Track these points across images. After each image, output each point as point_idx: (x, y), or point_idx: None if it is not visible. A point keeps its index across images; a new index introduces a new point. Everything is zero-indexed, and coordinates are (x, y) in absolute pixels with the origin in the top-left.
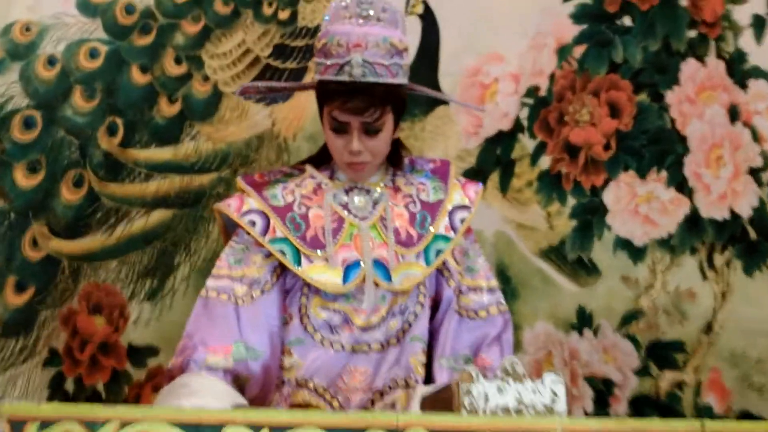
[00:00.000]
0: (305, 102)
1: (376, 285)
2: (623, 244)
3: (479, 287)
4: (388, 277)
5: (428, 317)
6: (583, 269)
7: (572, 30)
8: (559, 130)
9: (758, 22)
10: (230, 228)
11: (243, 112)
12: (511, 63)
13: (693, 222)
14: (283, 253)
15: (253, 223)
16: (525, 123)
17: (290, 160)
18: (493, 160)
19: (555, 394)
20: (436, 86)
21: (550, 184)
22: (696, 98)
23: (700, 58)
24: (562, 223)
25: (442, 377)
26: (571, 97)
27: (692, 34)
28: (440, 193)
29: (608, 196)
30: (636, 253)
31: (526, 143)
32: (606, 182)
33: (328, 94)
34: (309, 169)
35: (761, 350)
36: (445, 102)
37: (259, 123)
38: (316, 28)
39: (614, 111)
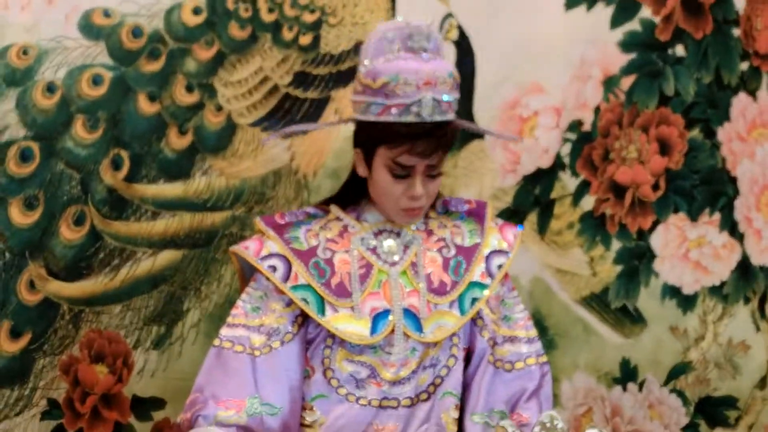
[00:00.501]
0: (327, 135)
1: (406, 336)
2: (672, 292)
3: (516, 337)
4: (419, 328)
5: (462, 371)
6: (628, 318)
7: (620, 59)
8: (604, 168)
9: None
10: (247, 272)
11: (259, 145)
12: (552, 95)
13: (745, 269)
14: (305, 301)
15: (274, 269)
16: (566, 160)
17: (310, 198)
18: (531, 200)
19: None
20: (471, 119)
21: (594, 227)
22: (747, 136)
23: (752, 93)
24: (605, 269)
25: None
26: (618, 133)
27: (744, 66)
28: (476, 237)
29: (656, 240)
30: (686, 301)
31: (568, 182)
32: (654, 225)
33: (392, 136)
34: (334, 210)
35: None
36: (480, 136)
37: (277, 158)
38: (341, 55)
39: (664, 148)
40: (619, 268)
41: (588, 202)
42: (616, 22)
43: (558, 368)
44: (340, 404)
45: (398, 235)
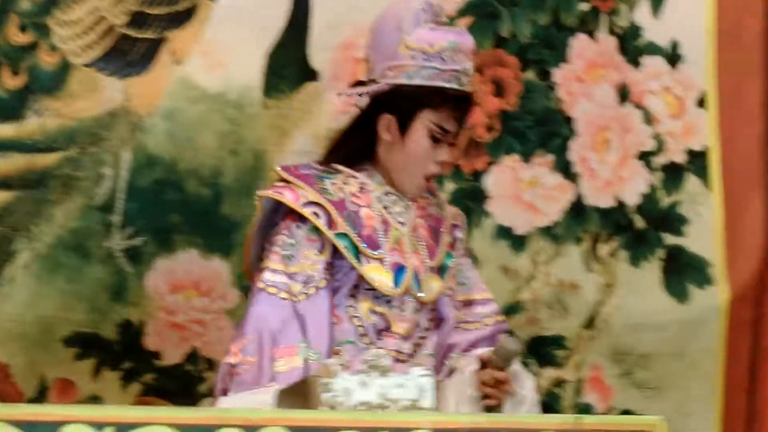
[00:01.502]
0: (162, 75)
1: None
2: (504, 233)
3: (473, 300)
4: (419, 288)
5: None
6: None
7: (456, 1)
8: None
9: None
10: (265, 223)
11: (94, 86)
12: None
13: (578, 210)
14: (347, 248)
15: (317, 216)
16: None
17: (145, 138)
18: None
19: (422, 388)
20: (305, 60)
21: None
22: (585, 77)
23: (591, 34)
24: None
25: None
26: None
27: (584, 7)
28: (438, 209)
29: (489, 181)
30: (517, 242)
31: None
32: (489, 166)
33: (441, 100)
34: (344, 169)
35: (646, 345)
36: (314, 77)
37: (112, 98)
38: None
39: (499, 89)
40: None
41: None
42: None
43: None
44: (366, 351)
45: (400, 198)
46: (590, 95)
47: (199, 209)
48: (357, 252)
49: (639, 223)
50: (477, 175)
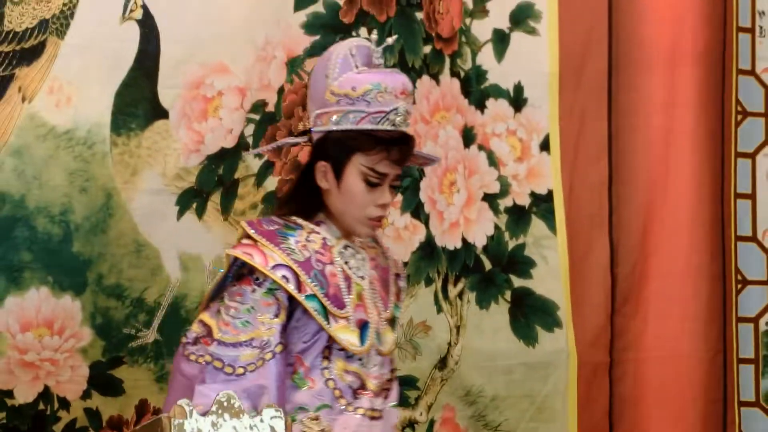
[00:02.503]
0: (10, 112)
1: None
2: None
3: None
4: (379, 342)
5: None
6: None
7: (304, 41)
8: (288, 149)
9: (499, 38)
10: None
11: None
12: (237, 75)
13: (428, 250)
14: (316, 311)
15: (287, 280)
16: (250, 140)
17: None
18: (215, 180)
19: (273, 430)
20: (155, 99)
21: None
22: (431, 119)
23: (435, 76)
24: None
25: None
26: (301, 114)
27: (427, 49)
28: (383, 258)
29: None
30: None
31: (252, 162)
32: None
33: (371, 143)
34: (305, 224)
35: (497, 387)
36: (165, 115)
37: None
38: (25, 33)
39: None
40: None
41: (272, 183)
42: (300, 4)
43: None
44: (342, 414)
45: (356, 250)
46: (435, 137)
47: (50, 247)
48: (326, 313)
49: (486, 264)
50: None
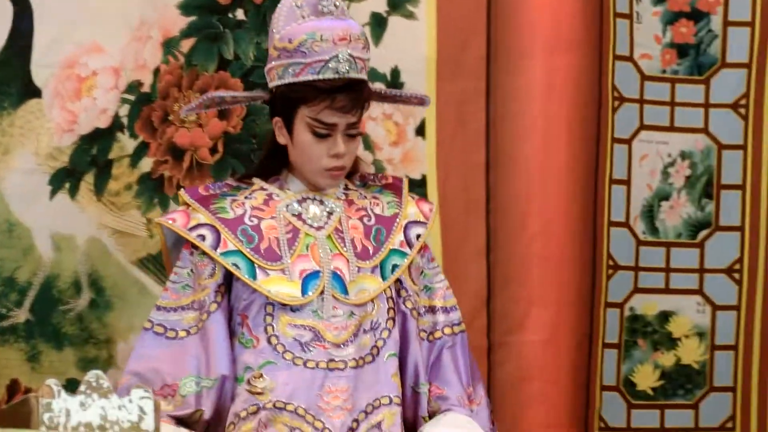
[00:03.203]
0: None
1: (334, 298)
2: None
3: (435, 307)
4: (345, 290)
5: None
6: None
7: (180, 22)
8: (163, 130)
9: (377, 21)
10: (171, 247)
11: None
12: (111, 55)
13: None
14: (236, 266)
15: (203, 238)
16: (125, 121)
17: None
18: (89, 160)
19: (143, 410)
20: (28, 77)
21: (152, 188)
22: None
23: None
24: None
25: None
26: (177, 95)
27: None
28: (395, 208)
29: None
30: None
31: (126, 143)
32: None
33: (312, 94)
34: (257, 181)
35: None
36: (38, 94)
37: None
38: None
39: (222, 111)
40: None
41: (147, 164)
42: None
43: (115, 329)
44: (288, 369)
45: (321, 202)
46: None
47: None
48: (253, 266)
49: None
50: None
